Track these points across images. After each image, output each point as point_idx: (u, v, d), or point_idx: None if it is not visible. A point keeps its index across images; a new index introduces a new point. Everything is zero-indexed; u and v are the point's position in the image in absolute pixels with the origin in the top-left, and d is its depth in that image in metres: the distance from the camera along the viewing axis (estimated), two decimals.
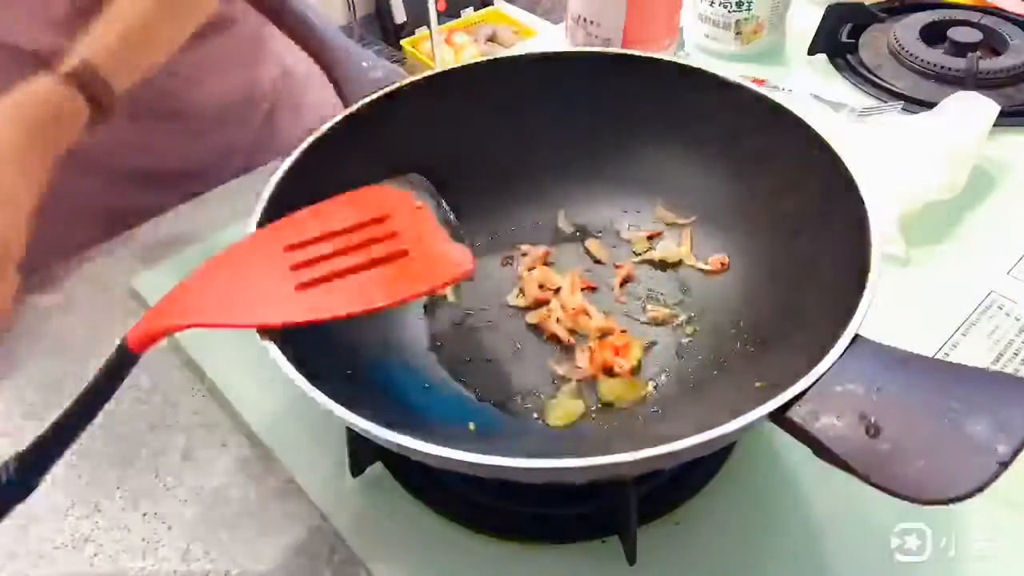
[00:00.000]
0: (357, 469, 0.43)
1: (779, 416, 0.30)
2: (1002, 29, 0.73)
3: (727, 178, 0.49)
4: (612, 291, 0.50)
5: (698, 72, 0.49)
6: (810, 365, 0.31)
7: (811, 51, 0.75)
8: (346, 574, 0.41)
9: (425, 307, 0.50)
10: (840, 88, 0.71)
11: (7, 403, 0.49)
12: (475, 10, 2.35)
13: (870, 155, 0.57)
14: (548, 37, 1.12)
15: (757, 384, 0.37)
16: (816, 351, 0.32)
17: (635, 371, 0.45)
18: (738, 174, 0.49)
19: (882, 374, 0.30)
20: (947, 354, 0.49)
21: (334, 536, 0.42)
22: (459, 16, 2.30)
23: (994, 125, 0.59)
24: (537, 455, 0.30)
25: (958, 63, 0.69)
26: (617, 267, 0.51)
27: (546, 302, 0.49)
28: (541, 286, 0.50)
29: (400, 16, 2.37)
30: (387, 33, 2.42)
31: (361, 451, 0.42)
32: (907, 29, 0.74)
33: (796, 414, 0.30)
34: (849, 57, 0.75)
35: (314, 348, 0.37)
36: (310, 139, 0.45)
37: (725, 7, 0.73)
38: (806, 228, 0.43)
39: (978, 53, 0.70)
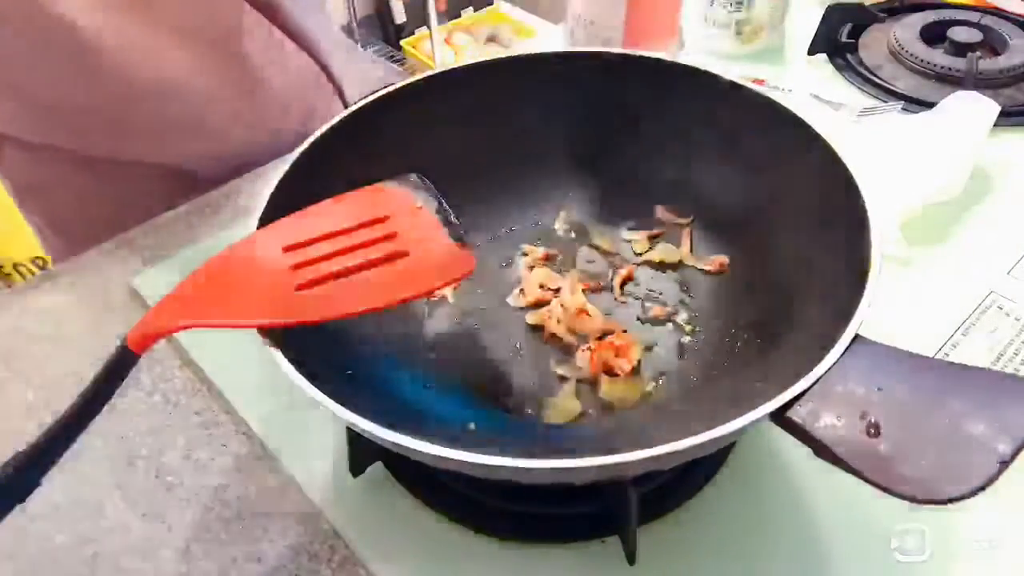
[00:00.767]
0: (357, 469, 0.43)
1: (779, 416, 0.30)
2: (1002, 29, 0.73)
3: (727, 178, 0.49)
4: (612, 291, 0.50)
5: (698, 72, 0.49)
6: (810, 365, 0.31)
7: (811, 51, 0.75)
8: (346, 574, 0.41)
9: (425, 307, 0.50)
10: (840, 88, 0.71)
11: (7, 403, 0.49)
12: (475, 10, 2.34)
13: (870, 155, 0.57)
14: (548, 37, 1.13)
15: (757, 384, 0.37)
16: (816, 351, 0.32)
17: (635, 371, 0.45)
18: (738, 174, 0.49)
19: (882, 374, 0.30)
20: (947, 354, 0.49)
21: (334, 536, 0.42)
22: (459, 16, 2.30)
23: (994, 125, 0.59)
24: (537, 455, 0.30)
25: (958, 63, 0.69)
26: (617, 267, 0.51)
27: (546, 302, 0.49)
28: (541, 286, 0.50)
29: (400, 16, 2.37)
30: (387, 33, 2.42)
31: (361, 451, 0.42)
32: (907, 29, 0.74)
33: (796, 414, 0.30)
34: (849, 57, 0.75)
35: (314, 348, 0.37)
36: (311, 139, 0.45)
37: (725, 7, 0.73)
38: (806, 228, 0.43)
39: (978, 53, 0.70)
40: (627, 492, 0.37)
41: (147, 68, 0.60)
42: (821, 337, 0.33)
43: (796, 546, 0.40)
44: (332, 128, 0.46)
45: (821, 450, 0.29)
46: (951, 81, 0.69)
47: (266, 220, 0.40)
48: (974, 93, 0.60)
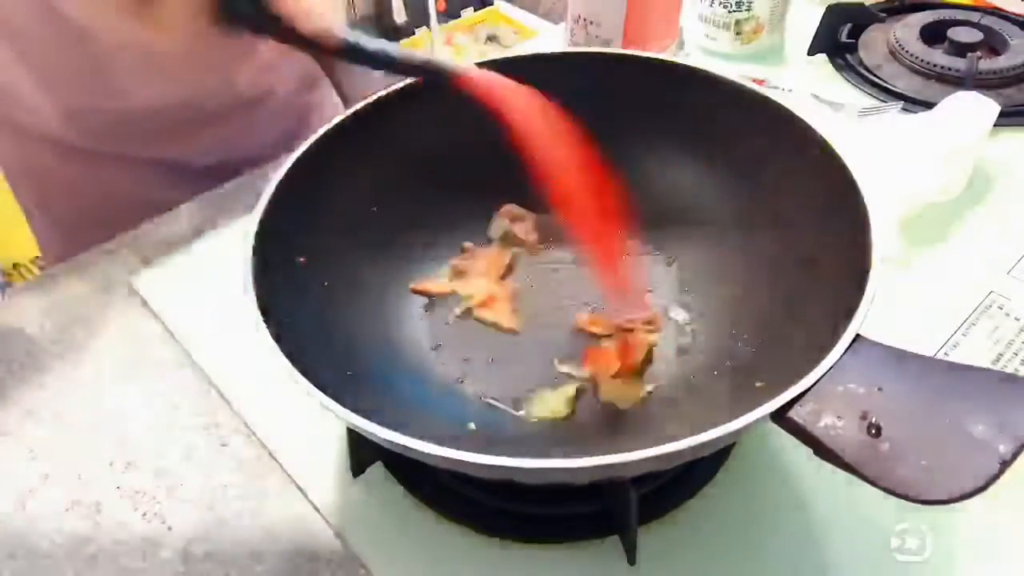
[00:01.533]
0: (357, 469, 0.43)
1: (780, 416, 0.30)
2: (1002, 29, 0.73)
3: (727, 178, 0.49)
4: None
5: (698, 72, 0.49)
6: (811, 365, 0.31)
7: (811, 51, 0.75)
8: (346, 574, 0.41)
9: (426, 307, 0.50)
10: (840, 88, 0.71)
11: (7, 403, 0.49)
12: (475, 10, 2.34)
13: (870, 155, 0.57)
14: (548, 37, 1.12)
15: (757, 384, 0.37)
16: (817, 351, 0.32)
17: (639, 372, 0.45)
18: (738, 174, 0.49)
19: (883, 374, 0.30)
20: (947, 354, 0.49)
21: (334, 536, 0.42)
22: (459, 16, 2.30)
23: (994, 125, 0.59)
24: (537, 455, 0.30)
25: (958, 63, 0.69)
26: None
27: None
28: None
29: (400, 16, 2.37)
30: (387, 33, 2.42)
31: (361, 451, 0.42)
32: (907, 29, 0.74)
33: (797, 414, 0.30)
34: (849, 57, 0.75)
35: (315, 348, 0.37)
36: (311, 139, 0.45)
37: (725, 7, 0.73)
38: (807, 228, 0.43)
39: (978, 53, 0.70)
40: (627, 492, 0.37)
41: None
42: (822, 337, 0.33)
43: (796, 546, 0.40)
44: (333, 128, 0.46)
45: (822, 450, 0.29)
46: (951, 81, 0.69)
47: (266, 220, 0.40)
48: (974, 93, 0.60)
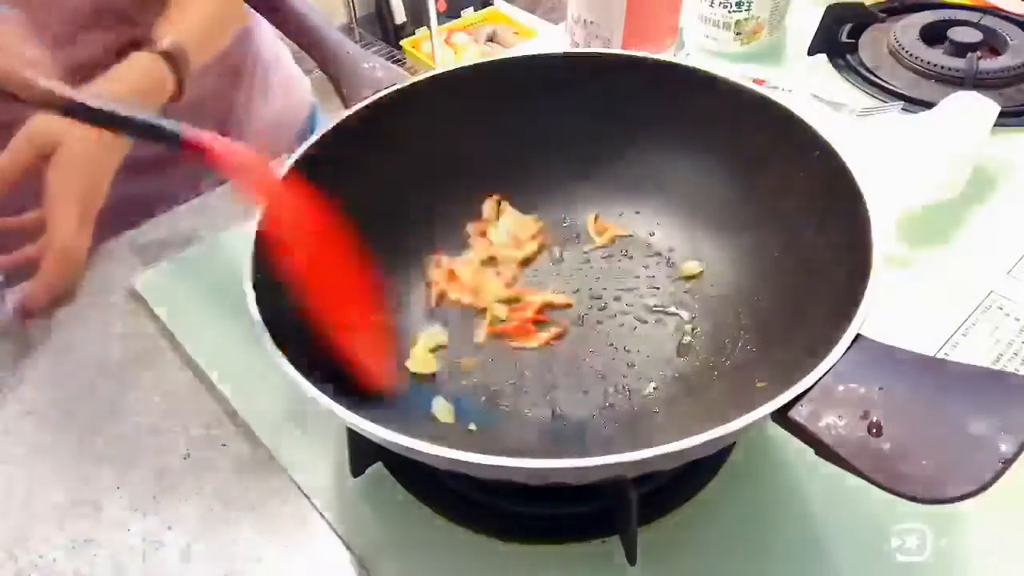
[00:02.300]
0: (357, 469, 0.43)
1: (781, 416, 0.30)
2: (1002, 29, 0.73)
3: (728, 178, 0.49)
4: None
5: (698, 73, 0.49)
6: (812, 365, 0.31)
7: (811, 51, 0.75)
8: (346, 574, 0.41)
9: (425, 306, 0.50)
10: (840, 88, 0.71)
11: (7, 403, 0.49)
12: (475, 10, 2.34)
13: (870, 155, 0.57)
14: (548, 37, 1.13)
15: (758, 383, 0.37)
16: (818, 351, 0.32)
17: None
18: (739, 174, 0.49)
19: (884, 373, 0.30)
20: (947, 354, 0.49)
21: (334, 536, 0.42)
22: (459, 16, 2.30)
23: (994, 125, 0.59)
24: (537, 455, 0.30)
25: (958, 63, 0.69)
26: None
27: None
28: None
29: (400, 16, 2.37)
30: (387, 33, 2.42)
31: (361, 451, 0.42)
32: (907, 29, 0.74)
33: (798, 414, 0.30)
34: (849, 57, 0.75)
35: (315, 349, 0.37)
36: (311, 140, 0.45)
37: (725, 7, 0.73)
38: (807, 228, 0.43)
39: (978, 53, 0.70)
40: (627, 492, 0.37)
41: None
42: (822, 337, 0.33)
43: (796, 546, 0.40)
44: (333, 129, 0.46)
45: (823, 450, 0.29)
46: (951, 81, 0.69)
47: (266, 220, 0.40)
48: (974, 93, 0.60)
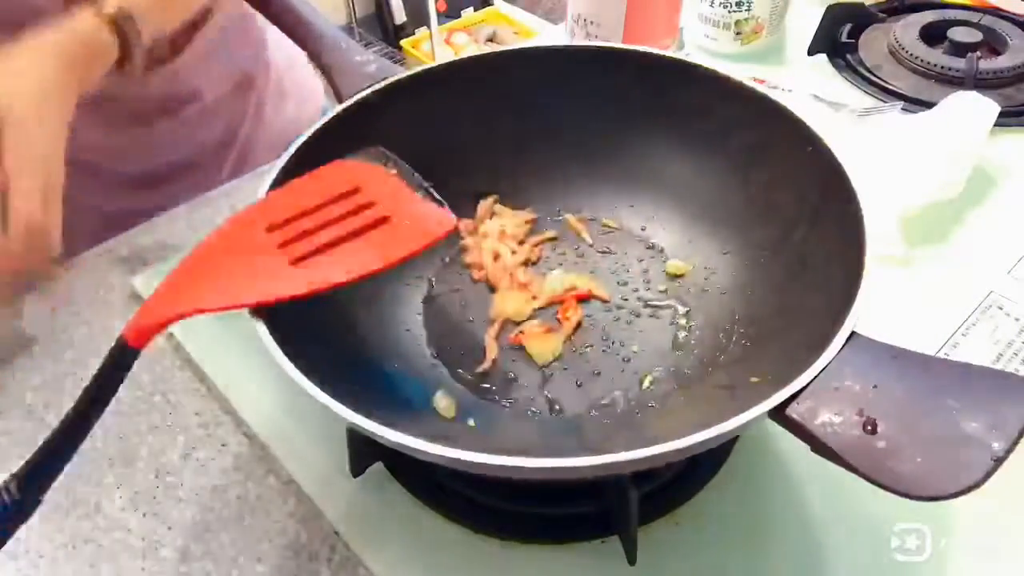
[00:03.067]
0: (357, 469, 0.43)
1: (779, 413, 0.30)
2: (1002, 29, 0.73)
3: (725, 175, 0.49)
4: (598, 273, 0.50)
5: (697, 69, 0.49)
6: (808, 362, 0.31)
7: (811, 51, 0.75)
8: (346, 574, 0.41)
9: (424, 304, 0.50)
10: (840, 88, 0.71)
11: (7, 403, 0.49)
12: (475, 10, 2.35)
13: (870, 155, 0.57)
14: (548, 37, 1.12)
15: (754, 379, 0.37)
16: (813, 348, 0.32)
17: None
18: (735, 171, 0.49)
19: (879, 371, 0.31)
20: (947, 354, 0.49)
21: (334, 536, 0.42)
22: (459, 16, 2.30)
23: (994, 125, 0.59)
24: (537, 452, 0.30)
25: (958, 63, 0.69)
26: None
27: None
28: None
29: (400, 16, 2.37)
30: (387, 33, 2.43)
31: (361, 451, 0.42)
32: (907, 29, 0.74)
33: (795, 411, 0.30)
34: (849, 57, 0.75)
35: (314, 348, 0.37)
36: (305, 135, 0.45)
37: (725, 7, 0.73)
38: (802, 225, 0.43)
39: (978, 53, 0.70)
40: (627, 492, 0.37)
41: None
42: (818, 334, 0.33)
43: (796, 546, 0.40)
44: (327, 124, 0.46)
45: (819, 447, 0.29)
46: (951, 81, 0.69)
47: None
48: (974, 93, 0.60)
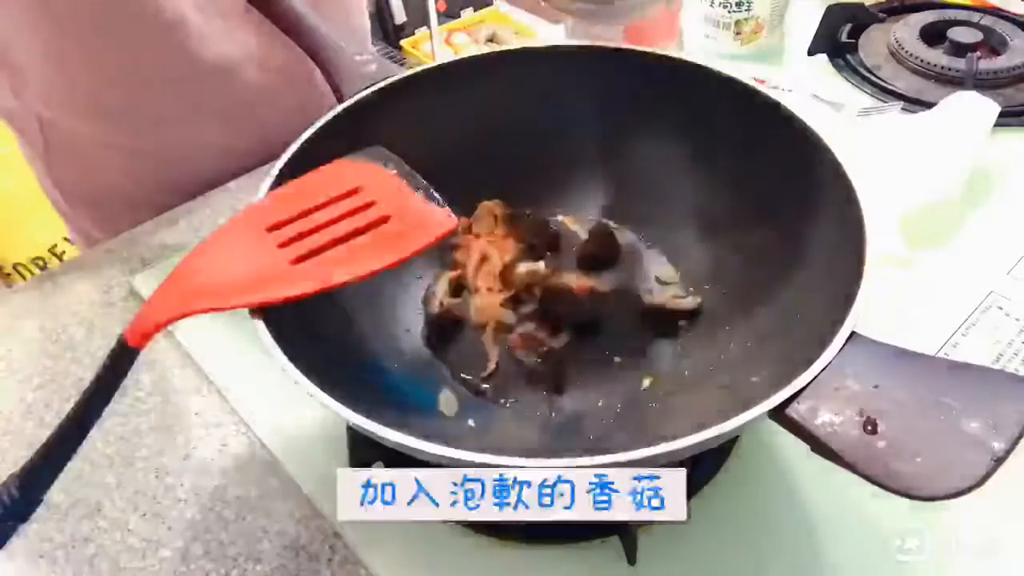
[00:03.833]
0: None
1: (779, 413, 0.30)
2: (1002, 29, 0.73)
3: (724, 174, 0.49)
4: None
5: (697, 69, 0.49)
6: (808, 362, 0.31)
7: (811, 51, 0.75)
8: (346, 574, 0.41)
9: (424, 304, 0.50)
10: (840, 88, 0.71)
11: (7, 403, 0.49)
12: (475, 10, 2.34)
13: (870, 155, 0.57)
14: (548, 38, 1.12)
15: (753, 378, 0.37)
16: (814, 348, 0.32)
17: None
18: (735, 171, 0.49)
19: (879, 371, 0.31)
20: (947, 354, 0.49)
21: (334, 536, 0.42)
22: (459, 16, 2.30)
23: (994, 125, 0.59)
24: (536, 453, 0.30)
25: (958, 63, 0.69)
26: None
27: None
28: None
29: (400, 16, 2.37)
30: (387, 33, 2.42)
31: (361, 451, 0.42)
32: (907, 29, 0.74)
33: (795, 411, 0.30)
34: (849, 57, 0.75)
35: (315, 348, 0.37)
36: (305, 135, 0.45)
37: (725, 7, 0.73)
38: (802, 225, 0.43)
39: (978, 53, 0.70)
40: None
41: (217, 44, 0.60)
42: (818, 333, 0.33)
43: (796, 546, 0.40)
44: (327, 123, 0.46)
45: (819, 447, 0.29)
46: (951, 81, 0.69)
47: None
48: (974, 93, 0.60)
